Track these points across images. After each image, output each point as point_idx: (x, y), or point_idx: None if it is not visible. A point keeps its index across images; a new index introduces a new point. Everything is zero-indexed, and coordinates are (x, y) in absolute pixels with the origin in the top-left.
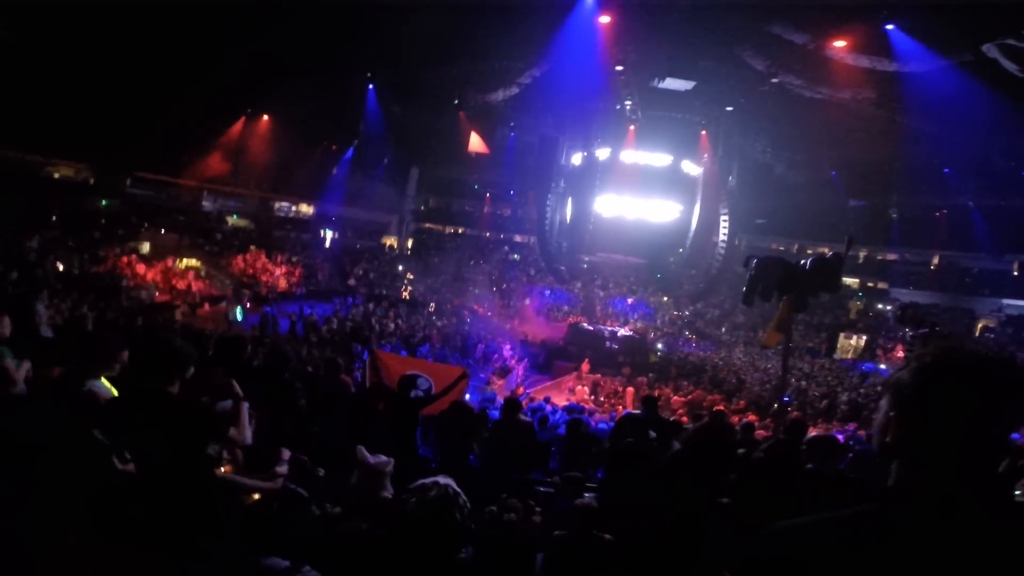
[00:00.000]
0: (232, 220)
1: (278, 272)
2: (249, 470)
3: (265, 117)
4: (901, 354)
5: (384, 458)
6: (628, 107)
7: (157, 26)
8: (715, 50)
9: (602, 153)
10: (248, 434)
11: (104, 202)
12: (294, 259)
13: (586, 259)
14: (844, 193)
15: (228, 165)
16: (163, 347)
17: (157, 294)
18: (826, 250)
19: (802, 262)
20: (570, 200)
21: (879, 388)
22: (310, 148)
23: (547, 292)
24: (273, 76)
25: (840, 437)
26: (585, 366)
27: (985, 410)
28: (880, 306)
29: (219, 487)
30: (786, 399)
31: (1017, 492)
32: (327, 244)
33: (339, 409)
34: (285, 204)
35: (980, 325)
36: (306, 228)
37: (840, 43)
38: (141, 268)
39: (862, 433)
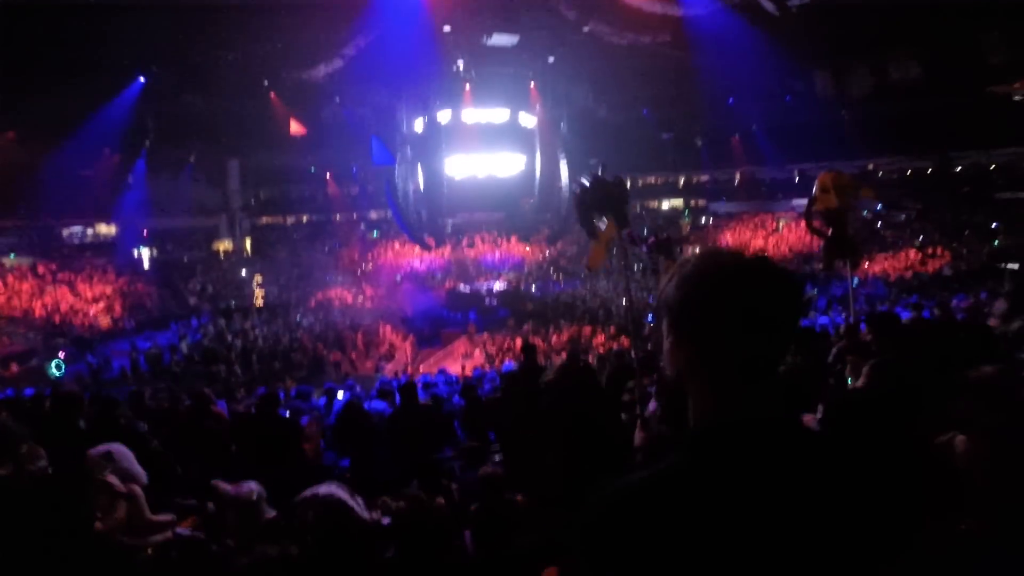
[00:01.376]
0: (10, 260)
1: (93, 310)
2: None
3: (11, 135)
4: None
5: (249, 488)
6: (461, 67)
7: None
8: (532, 2)
9: (443, 116)
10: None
11: None
12: (108, 291)
13: (448, 223)
14: (657, 128)
15: None
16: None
17: None
18: (653, 179)
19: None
20: (419, 167)
21: None
22: (87, 161)
23: (417, 263)
24: (22, 89)
25: None
26: (471, 328)
27: (761, 313)
28: (709, 220)
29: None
30: (650, 320)
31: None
32: (146, 265)
33: (213, 443)
34: (77, 228)
35: (781, 224)
36: (112, 251)
37: None
38: None
39: None
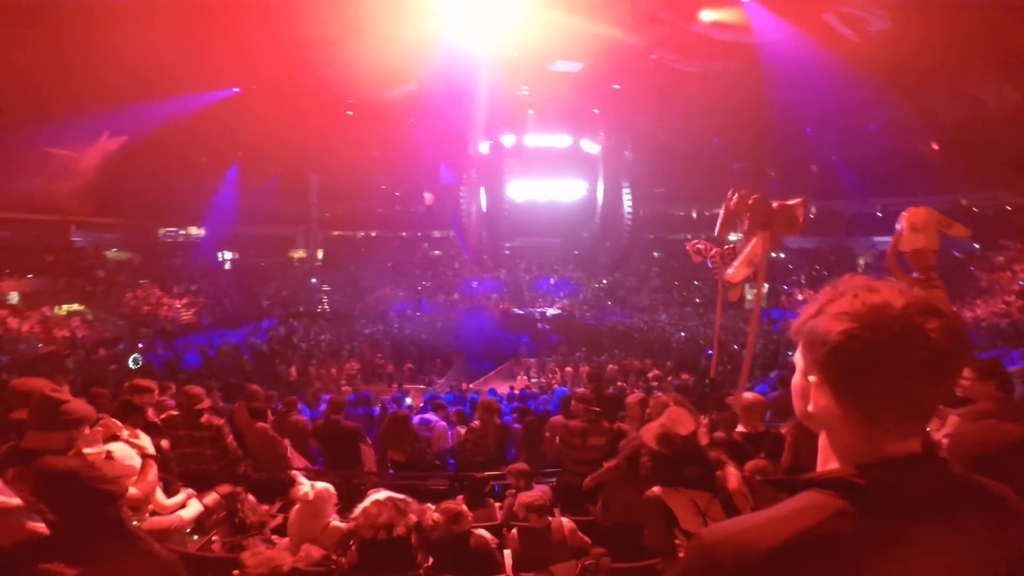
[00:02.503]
0: (111, 253)
1: (178, 304)
2: None
3: (122, 140)
4: (801, 298)
5: (312, 486)
6: (526, 92)
7: None
8: (597, 31)
9: (507, 140)
10: (155, 490)
11: None
12: (193, 287)
13: (507, 245)
14: (727, 157)
15: (94, 194)
16: (45, 403)
17: (40, 346)
18: (721, 210)
19: (773, 204)
20: (483, 189)
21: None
22: (185, 168)
23: (474, 283)
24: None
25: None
26: (523, 350)
27: (933, 358)
28: (773, 254)
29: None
30: (709, 353)
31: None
32: (228, 267)
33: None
34: (171, 229)
35: (861, 262)
36: (200, 253)
37: (705, 18)
38: (13, 321)
39: None
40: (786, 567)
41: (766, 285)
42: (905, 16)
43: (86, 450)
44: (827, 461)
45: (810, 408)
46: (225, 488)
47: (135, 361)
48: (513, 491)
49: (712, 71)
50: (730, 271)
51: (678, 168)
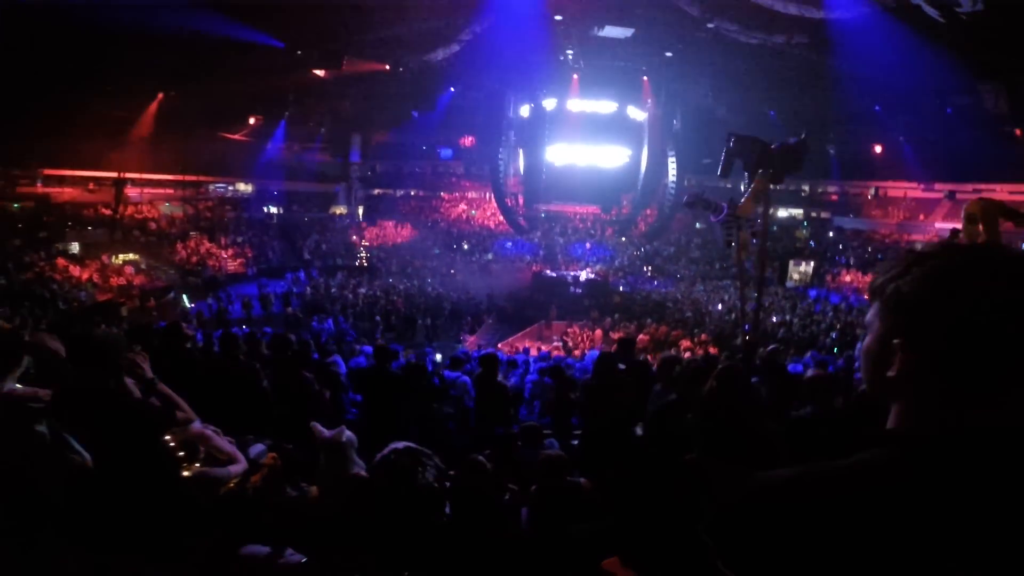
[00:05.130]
0: (165, 208)
1: (225, 255)
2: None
3: (176, 97)
4: (848, 279)
5: (340, 431)
6: (571, 56)
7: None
8: None
9: (549, 103)
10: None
11: (16, 206)
12: (240, 240)
13: (543, 208)
14: (783, 132)
15: (148, 151)
16: (88, 340)
17: (97, 294)
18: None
19: (772, 145)
20: (521, 152)
21: (830, 314)
22: (235, 125)
23: (508, 244)
24: (182, 55)
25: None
26: (553, 313)
27: None
28: (830, 234)
29: (190, 483)
30: (746, 328)
31: None
32: (273, 220)
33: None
34: (220, 185)
35: (918, 248)
36: (247, 207)
37: None
38: (75, 269)
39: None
40: (848, 518)
41: (812, 263)
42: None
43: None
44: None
45: (891, 374)
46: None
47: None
48: (521, 447)
49: (773, 44)
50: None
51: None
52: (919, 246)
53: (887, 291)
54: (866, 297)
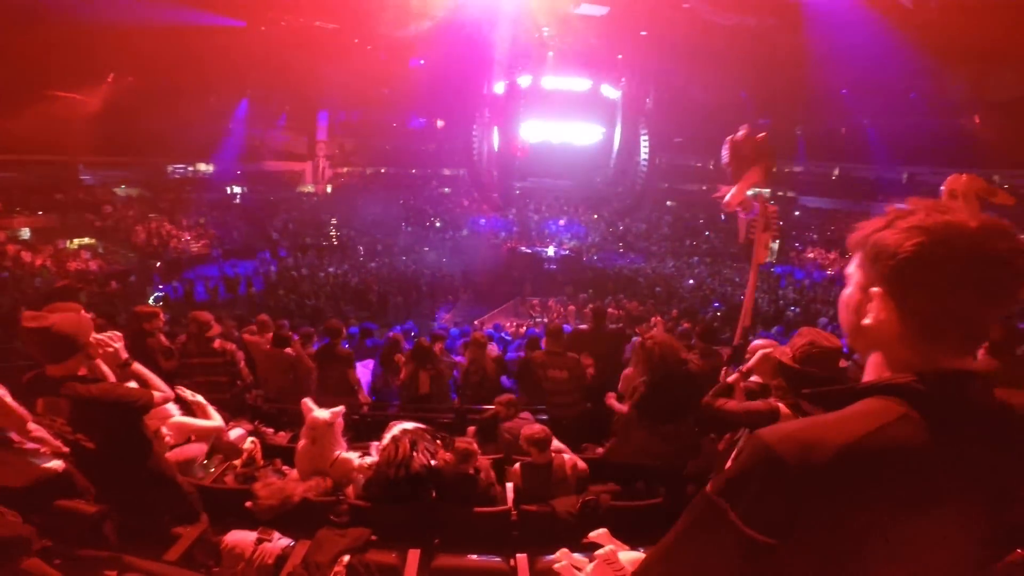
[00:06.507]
0: (120, 190)
1: (187, 237)
2: None
3: (130, 78)
4: (812, 255)
5: (332, 411)
6: (546, 34)
7: None
8: None
9: (524, 80)
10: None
11: None
12: (201, 220)
13: (518, 185)
14: (753, 113)
15: (101, 132)
16: (44, 332)
17: (55, 279)
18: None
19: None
20: (496, 129)
21: (792, 290)
22: (194, 106)
23: (482, 221)
24: (138, 36)
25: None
26: (527, 289)
27: (1000, 281)
28: (796, 213)
29: (174, 465)
30: (716, 305)
31: None
32: (236, 200)
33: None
34: (180, 166)
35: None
36: (209, 188)
37: None
38: (27, 255)
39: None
40: (853, 467)
41: (778, 241)
42: None
43: (104, 369)
44: (879, 376)
45: (867, 321)
46: (247, 424)
47: (155, 301)
48: (503, 421)
49: (747, 25)
50: (727, 198)
51: (699, 118)
52: (909, 204)
53: (868, 243)
54: (828, 272)
